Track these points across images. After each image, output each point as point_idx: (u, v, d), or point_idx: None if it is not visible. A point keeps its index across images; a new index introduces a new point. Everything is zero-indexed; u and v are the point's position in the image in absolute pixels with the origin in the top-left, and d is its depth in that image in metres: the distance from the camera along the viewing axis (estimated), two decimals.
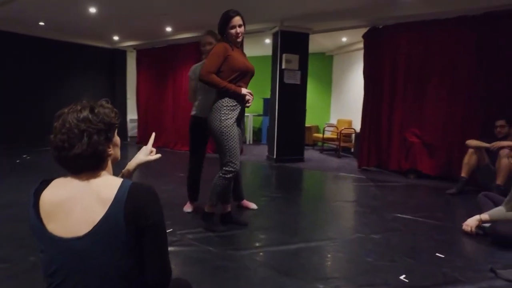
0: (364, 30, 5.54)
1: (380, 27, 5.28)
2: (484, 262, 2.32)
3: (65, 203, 0.94)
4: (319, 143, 8.05)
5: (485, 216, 2.77)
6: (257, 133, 9.37)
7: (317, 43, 7.23)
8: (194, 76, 3.10)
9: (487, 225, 2.76)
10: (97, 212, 0.91)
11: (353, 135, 7.34)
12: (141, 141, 8.00)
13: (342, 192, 4.42)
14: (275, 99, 6.06)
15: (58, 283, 0.93)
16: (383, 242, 2.63)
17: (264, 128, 8.56)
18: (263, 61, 7.92)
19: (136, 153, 1.43)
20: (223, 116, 2.57)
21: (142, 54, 8.00)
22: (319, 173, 5.34)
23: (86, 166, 0.98)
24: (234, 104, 2.61)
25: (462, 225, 2.87)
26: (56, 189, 0.97)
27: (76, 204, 0.93)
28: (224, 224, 2.85)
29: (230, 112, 2.59)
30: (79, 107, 1.01)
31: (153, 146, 1.48)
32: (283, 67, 5.91)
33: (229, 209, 2.92)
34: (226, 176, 2.63)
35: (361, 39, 5.62)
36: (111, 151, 1.03)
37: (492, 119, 4.24)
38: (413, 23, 4.94)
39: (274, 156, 6.11)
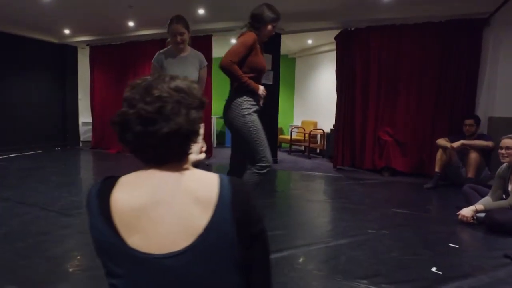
0: (333, 33, 5.66)
1: (352, 29, 5.44)
2: (494, 249, 2.41)
3: (151, 208, 0.70)
4: (284, 145, 8.07)
5: (479, 206, 2.93)
6: (219, 136, 9.12)
7: (282, 44, 7.25)
8: (158, 64, 2.85)
9: (481, 214, 2.92)
10: (198, 218, 0.70)
11: (319, 136, 7.47)
12: (97, 146, 7.30)
13: (328, 191, 4.41)
14: None
15: None
16: (397, 237, 2.62)
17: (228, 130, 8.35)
18: None
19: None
20: (245, 111, 2.40)
21: (97, 51, 7.30)
22: (296, 174, 5.30)
23: (174, 152, 0.75)
24: (253, 102, 2.46)
25: (457, 216, 2.99)
26: (132, 189, 0.73)
27: (167, 208, 0.70)
28: None
29: (251, 107, 2.43)
30: (163, 77, 0.77)
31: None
32: None
33: None
34: (261, 172, 2.43)
35: (327, 41, 5.76)
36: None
37: (457, 118, 4.60)
38: (383, 27, 5.16)
39: None
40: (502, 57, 4.47)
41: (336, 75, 5.66)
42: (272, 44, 5.96)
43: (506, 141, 2.93)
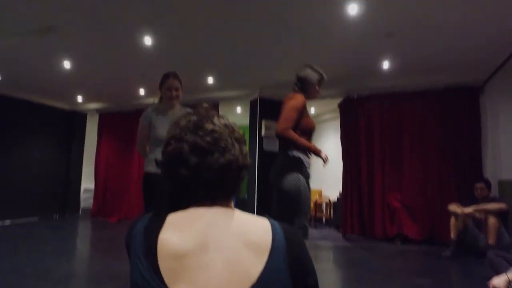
0: (335, 101, 5.86)
1: (355, 97, 5.63)
2: None
3: (200, 252, 0.63)
4: None
5: None
6: None
7: None
8: (147, 122, 2.67)
9: None
10: (251, 265, 0.63)
11: (324, 205, 7.26)
12: (98, 214, 7.05)
13: (340, 260, 4.11)
14: (255, 168, 5.88)
15: None
16: None
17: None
18: None
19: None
20: (301, 176, 2.30)
21: (106, 118, 7.51)
22: (307, 243, 5.00)
23: (225, 189, 0.72)
24: (309, 161, 2.40)
25: (488, 286, 2.70)
26: (181, 230, 0.66)
27: (217, 252, 0.64)
28: None
29: (306, 171, 2.35)
30: (211, 113, 0.78)
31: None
32: (263, 134, 5.88)
33: None
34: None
35: (329, 109, 5.90)
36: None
37: (466, 181, 4.50)
38: (385, 94, 5.36)
39: None
40: (502, 122, 4.54)
41: (341, 142, 5.70)
42: (277, 112, 6.11)
43: None
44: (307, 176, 2.38)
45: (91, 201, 7.43)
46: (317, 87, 2.50)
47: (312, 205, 7.00)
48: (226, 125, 0.76)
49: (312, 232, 6.08)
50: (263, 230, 0.68)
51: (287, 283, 0.65)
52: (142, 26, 3.87)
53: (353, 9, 3.22)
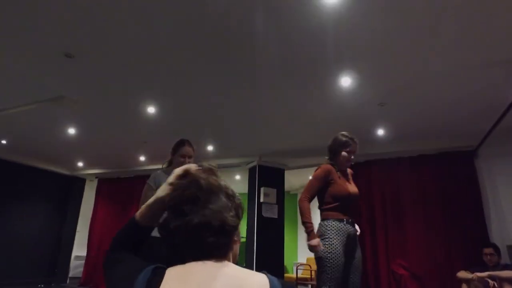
0: None
1: (352, 163, 5.71)
2: None
3: None
4: None
5: None
6: None
7: (285, 180, 7.53)
8: (155, 185, 2.66)
9: None
10: None
11: None
12: (87, 283, 6.66)
13: None
14: (253, 235, 5.77)
15: None
16: None
17: None
18: None
19: None
20: (326, 241, 2.34)
21: (105, 183, 7.53)
22: None
23: (218, 245, 0.73)
24: (339, 226, 2.39)
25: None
26: (180, 283, 0.67)
27: None
28: None
29: (335, 236, 2.35)
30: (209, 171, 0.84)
31: None
32: (261, 200, 5.88)
33: None
34: None
35: None
36: (235, 243, 0.81)
37: (472, 247, 4.39)
38: (382, 160, 5.48)
39: None
40: (500, 185, 4.60)
41: None
42: (275, 179, 6.21)
43: None
44: (338, 240, 2.36)
45: (81, 269, 7.07)
46: (343, 153, 2.54)
47: (313, 273, 6.69)
48: (219, 185, 0.79)
49: None
50: (260, 283, 0.69)
51: None
52: (146, 98, 4.10)
53: (346, 82, 3.48)
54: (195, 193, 0.75)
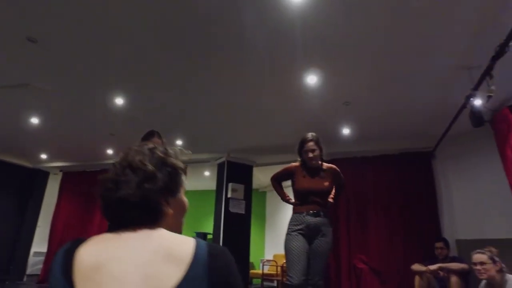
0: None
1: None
2: None
3: (114, 263, 0.65)
4: (256, 281, 7.50)
5: None
6: None
7: (253, 177, 7.61)
8: None
9: None
10: (167, 276, 0.64)
11: None
12: (45, 280, 6.42)
13: None
14: (220, 230, 5.81)
15: None
16: None
17: None
18: (202, 195, 7.91)
19: None
20: (287, 232, 2.68)
21: (69, 177, 7.27)
22: None
23: (138, 218, 0.75)
24: (298, 217, 2.68)
25: None
26: (98, 244, 0.70)
27: (132, 264, 0.65)
28: None
29: (292, 226, 2.67)
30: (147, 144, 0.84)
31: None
32: (229, 195, 5.93)
33: None
34: None
35: None
36: (169, 209, 0.78)
37: (427, 243, 4.66)
38: (347, 159, 5.68)
39: None
40: (453, 185, 4.92)
41: None
42: (243, 175, 6.28)
43: (478, 256, 2.93)
44: (294, 230, 2.67)
45: (41, 266, 6.79)
46: (304, 151, 2.77)
47: (279, 269, 6.81)
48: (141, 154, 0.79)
49: None
50: (186, 246, 0.69)
51: None
52: (113, 88, 4.04)
53: (312, 80, 3.61)
54: (121, 166, 0.77)
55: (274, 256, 7.76)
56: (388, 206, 5.25)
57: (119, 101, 4.30)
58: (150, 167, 0.78)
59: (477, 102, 3.21)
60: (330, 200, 2.85)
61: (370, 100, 4.12)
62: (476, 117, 3.16)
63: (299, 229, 2.64)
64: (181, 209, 0.84)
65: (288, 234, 2.65)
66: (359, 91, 3.90)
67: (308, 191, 2.72)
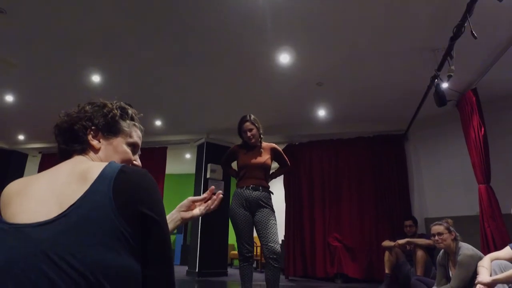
0: (280, 147, 6.21)
1: (296, 143, 6.04)
2: None
3: (32, 186, 0.72)
4: (236, 262, 7.64)
5: None
6: None
7: None
8: None
9: None
10: (76, 191, 0.68)
11: None
12: None
13: None
14: None
15: None
16: None
17: (178, 246, 7.89)
18: (183, 178, 7.95)
19: None
20: (230, 205, 2.84)
21: (49, 159, 7.16)
22: None
23: (67, 143, 0.87)
24: (239, 192, 2.81)
25: None
26: (31, 177, 0.78)
27: (48, 185, 0.71)
28: None
29: (234, 201, 2.81)
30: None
31: None
32: (208, 176, 6.00)
33: None
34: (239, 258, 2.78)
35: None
36: (94, 141, 0.87)
37: (397, 220, 4.86)
38: (323, 141, 5.83)
39: (196, 270, 5.55)
40: (423, 166, 5.11)
41: (284, 186, 5.96)
42: (222, 156, 6.33)
43: (436, 228, 3.10)
44: (235, 203, 2.81)
45: None
46: (242, 134, 2.92)
47: (258, 250, 6.98)
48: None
49: (256, 275, 6.00)
50: (101, 167, 0.72)
51: (108, 205, 0.65)
52: (90, 64, 4.01)
53: (285, 58, 3.68)
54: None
55: (255, 237, 7.91)
56: (361, 187, 5.42)
57: (96, 78, 4.28)
58: (87, 106, 0.92)
59: (441, 82, 3.35)
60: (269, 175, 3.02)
61: (341, 80, 4.21)
62: (440, 96, 3.30)
63: (240, 203, 2.80)
64: (115, 153, 0.89)
65: (231, 208, 2.80)
66: (330, 71, 3.99)
67: (248, 166, 2.87)
